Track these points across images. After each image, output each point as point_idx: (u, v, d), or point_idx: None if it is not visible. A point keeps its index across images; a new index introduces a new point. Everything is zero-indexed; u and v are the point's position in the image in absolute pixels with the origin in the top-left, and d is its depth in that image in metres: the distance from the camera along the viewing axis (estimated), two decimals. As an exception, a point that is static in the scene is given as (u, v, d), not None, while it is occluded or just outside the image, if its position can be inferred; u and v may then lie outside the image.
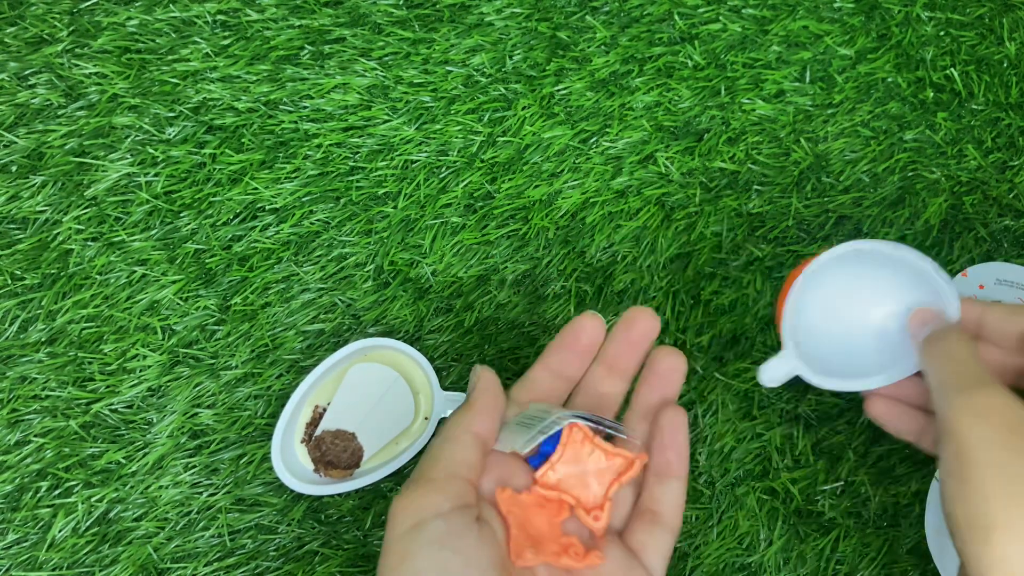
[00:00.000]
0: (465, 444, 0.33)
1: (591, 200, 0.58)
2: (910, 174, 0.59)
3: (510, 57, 0.61)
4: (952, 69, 0.61)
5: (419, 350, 0.53)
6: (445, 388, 0.54)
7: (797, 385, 0.54)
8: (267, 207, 0.58)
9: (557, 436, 0.35)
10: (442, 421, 0.53)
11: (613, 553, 0.34)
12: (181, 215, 0.57)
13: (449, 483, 0.32)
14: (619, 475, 0.35)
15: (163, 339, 0.55)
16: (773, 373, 0.41)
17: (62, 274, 0.56)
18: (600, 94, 0.61)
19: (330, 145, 0.59)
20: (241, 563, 0.51)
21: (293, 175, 0.58)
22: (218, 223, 0.57)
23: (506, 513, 0.34)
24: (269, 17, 0.61)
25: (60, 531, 0.51)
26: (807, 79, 0.61)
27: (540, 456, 0.35)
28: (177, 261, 0.56)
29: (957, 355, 0.37)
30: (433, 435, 0.33)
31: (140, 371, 0.54)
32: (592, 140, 0.60)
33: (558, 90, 0.61)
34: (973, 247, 0.58)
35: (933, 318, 0.41)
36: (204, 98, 0.59)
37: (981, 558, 0.30)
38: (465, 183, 0.58)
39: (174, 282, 0.56)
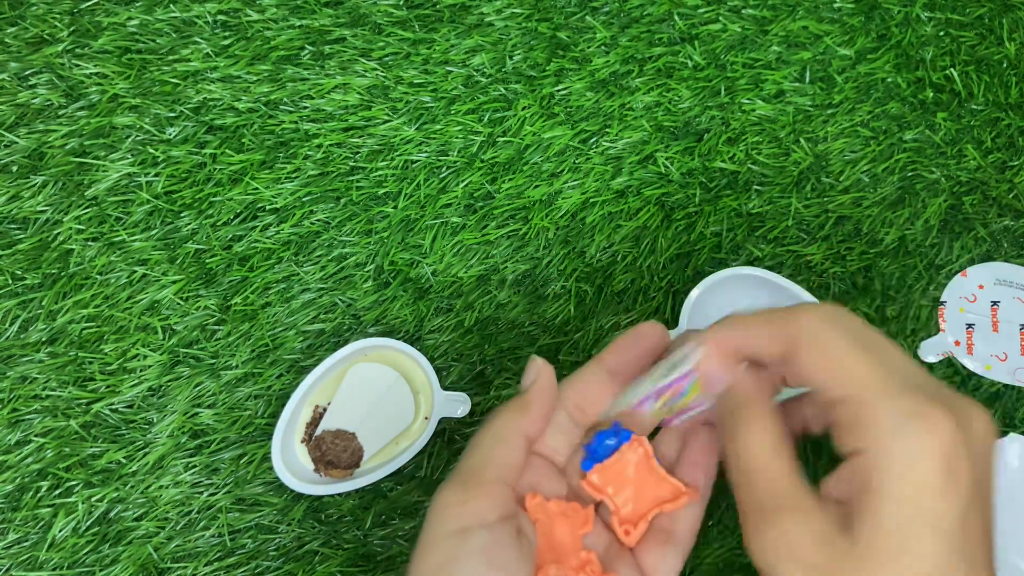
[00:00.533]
0: (517, 448, 0.33)
1: (591, 200, 0.58)
2: (910, 174, 0.59)
3: (510, 57, 0.61)
4: (952, 69, 0.61)
5: (419, 350, 0.54)
6: (445, 388, 0.54)
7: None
8: (267, 207, 0.58)
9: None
10: (442, 421, 0.53)
11: (624, 573, 0.34)
12: (181, 215, 0.57)
13: (497, 490, 0.31)
14: (663, 502, 0.35)
15: (163, 339, 0.55)
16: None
17: (63, 274, 0.56)
18: (600, 94, 0.61)
19: (330, 145, 0.59)
20: (241, 563, 0.51)
21: (293, 175, 0.58)
22: (218, 223, 0.57)
23: (533, 520, 0.33)
24: (269, 17, 0.61)
25: (60, 531, 0.51)
26: (807, 79, 0.61)
27: (592, 459, 0.35)
28: (177, 261, 0.56)
29: (756, 464, 0.30)
30: (481, 425, 0.33)
31: (140, 371, 0.54)
32: (592, 140, 0.60)
33: (558, 90, 0.61)
34: (973, 247, 0.58)
35: (722, 368, 0.33)
36: (204, 98, 0.59)
37: None
38: (465, 183, 0.59)
39: (174, 282, 0.56)
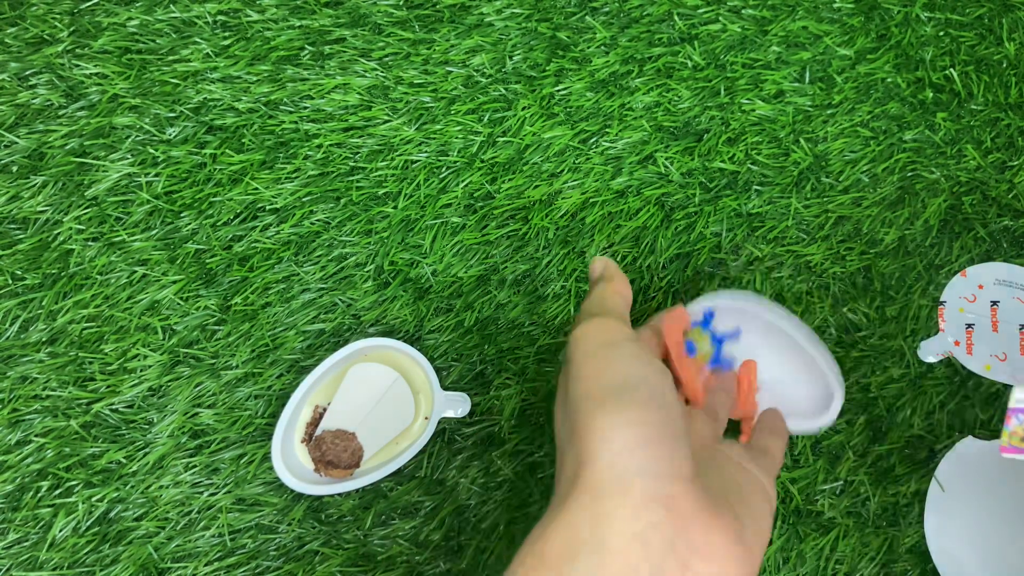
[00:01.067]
0: (621, 301, 0.40)
1: (591, 200, 0.58)
2: (909, 174, 0.59)
3: (510, 57, 0.61)
4: (951, 69, 0.61)
5: (419, 350, 0.54)
6: (445, 388, 0.54)
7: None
8: (267, 207, 0.58)
9: None
10: (442, 421, 0.53)
11: (740, 444, 0.41)
12: (182, 215, 0.57)
13: (627, 320, 0.39)
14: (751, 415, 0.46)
15: (163, 339, 0.55)
16: None
17: (63, 274, 0.56)
18: (600, 94, 0.61)
19: (330, 145, 0.59)
20: (241, 563, 0.51)
21: (293, 175, 0.58)
22: (218, 223, 0.57)
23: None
24: (269, 17, 0.61)
25: (61, 531, 0.52)
26: (807, 79, 0.61)
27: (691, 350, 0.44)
28: (177, 261, 0.56)
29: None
30: (587, 296, 0.42)
31: (140, 371, 0.54)
32: (592, 140, 0.60)
33: (558, 90, 0.61)
34: (972, 247, 0.58)
35: None
36: (205, 98, 0.60)
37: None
38: (465, 183, 0.59)
39: (175, 282, 0.56)
